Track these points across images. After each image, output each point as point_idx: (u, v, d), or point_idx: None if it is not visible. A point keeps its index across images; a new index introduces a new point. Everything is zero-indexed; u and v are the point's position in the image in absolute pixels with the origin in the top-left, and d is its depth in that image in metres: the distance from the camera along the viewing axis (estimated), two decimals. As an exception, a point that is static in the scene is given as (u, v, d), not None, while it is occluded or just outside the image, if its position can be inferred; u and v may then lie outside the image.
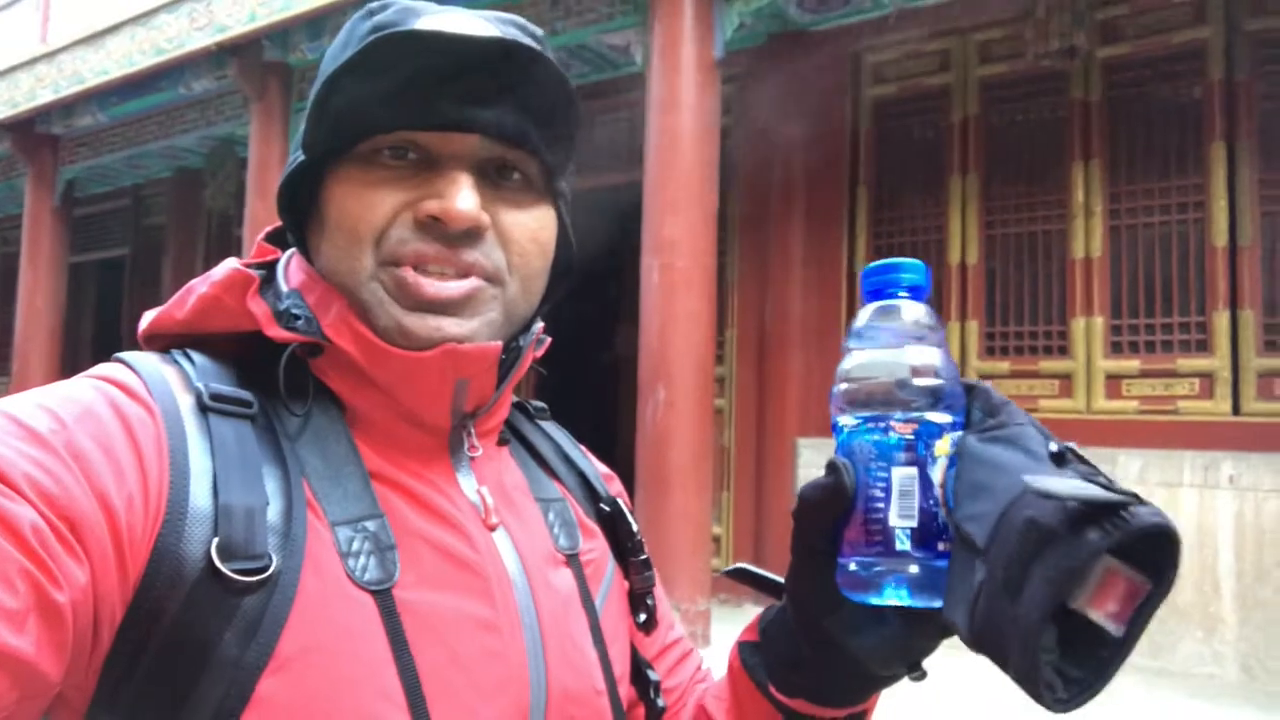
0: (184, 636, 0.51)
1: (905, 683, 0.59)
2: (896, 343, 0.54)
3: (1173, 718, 3.69)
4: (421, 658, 0.56)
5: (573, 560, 0.68)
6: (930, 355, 0.54)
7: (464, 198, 0.60)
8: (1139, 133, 4.85)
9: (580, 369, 8.69)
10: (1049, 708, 0.47)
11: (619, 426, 6.98)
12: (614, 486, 0.79)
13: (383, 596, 0.56)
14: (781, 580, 0.64)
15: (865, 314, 0.57)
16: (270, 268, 0.67)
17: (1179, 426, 4.60)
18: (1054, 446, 0.52)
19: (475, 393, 0.64)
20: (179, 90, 7.18)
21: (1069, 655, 0.47)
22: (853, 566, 0.53)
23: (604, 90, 6.28)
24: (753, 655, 0.66)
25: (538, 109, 0.61)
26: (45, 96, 7.75)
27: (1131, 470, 4.48)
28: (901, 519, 0.52)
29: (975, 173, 5.29)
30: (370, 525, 0.58)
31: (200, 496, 0.53)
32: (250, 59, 6.61)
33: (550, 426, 0.80)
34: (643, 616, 0.73)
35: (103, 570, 0.50)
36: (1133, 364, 4.83)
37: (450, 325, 0.60)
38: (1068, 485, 0.47)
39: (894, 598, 0.52)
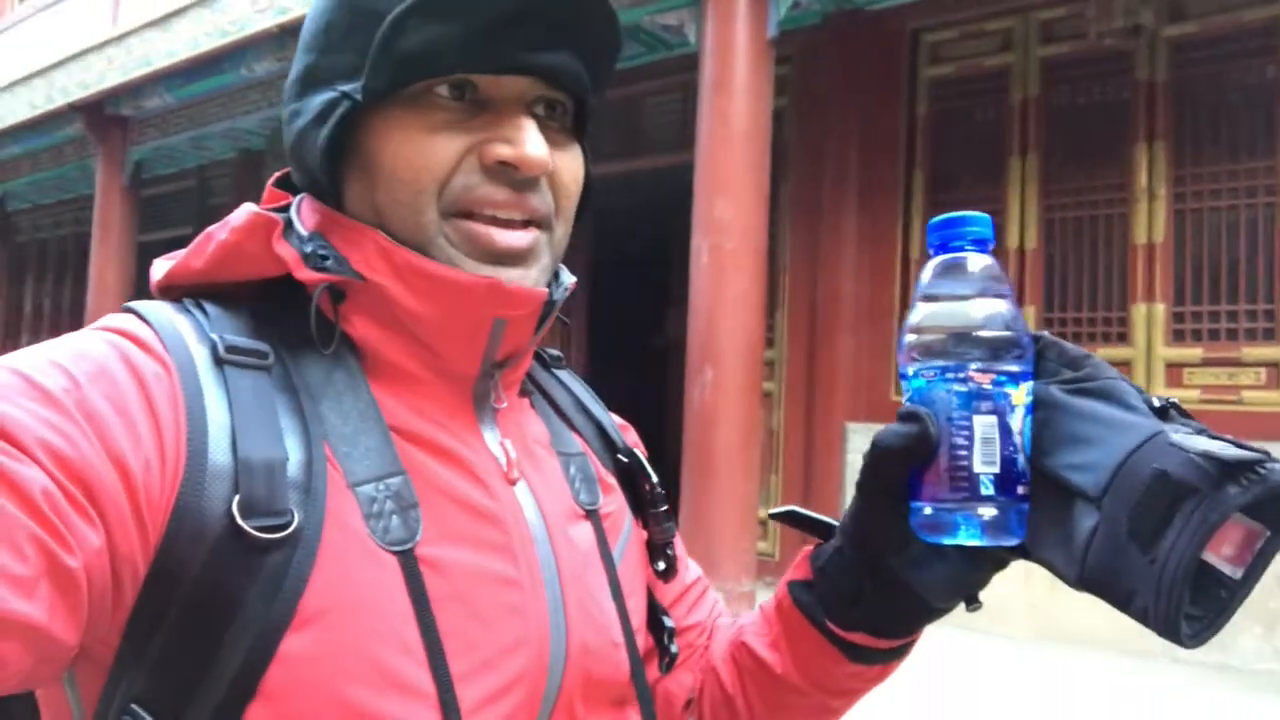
0: (207, 594, 0.51)
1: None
2: (967, 294, 0.55)
3: (1231, 713, 3.62)
4: (443, 614, 0.56)
5: (592, 515, 0.68)
6: (1001, 306, 0.55)
7: (536, 144, 0.59)
8: (1206, 114, 4.71)
9: (631, 352, 8.73)
10: (1180, 644, 0.50)
11: (668, 410, 7.01)
12: (629, 437, 0.79)
13: (405, 556, 0.56)
14: (832, 522, 0.67)
15: (933, 266, 0.58)
16: (282, 210, 0.66)
17: (1243, 417, 4.48)
18: (1156, 401, 0.54)
19: (510, 338, 0.63)
20: (241, 72, 7.31)
21: (1192, 597, 0.49)
22: (929, 510, 0.55)
23: (657, 70, 6.27)
24: (806, 593, 0.67)
25: (593, 52, 0.61)
26: (114, 79, 7.95)
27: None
28: (985, 465, 0.53)
29: (1035, 155, 5.17)
30: (392, 483, 0.57)
31: (219, 452, 0.53)
32: (310, 41, 6.70)
33: (566, 376, 0.79)
34: (662, 565, 0.73)
35: (121, 531, 0.49)
36: (1195, 352, 4.70)
37: (519, 274, 0.61)
38: (1204, 442, 0.49)
39: (969, 538, 0.54)
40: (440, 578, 0.57)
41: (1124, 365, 4.86)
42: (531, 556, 0.62)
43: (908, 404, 0.56)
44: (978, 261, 0.57)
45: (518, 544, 0.61)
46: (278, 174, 0.70)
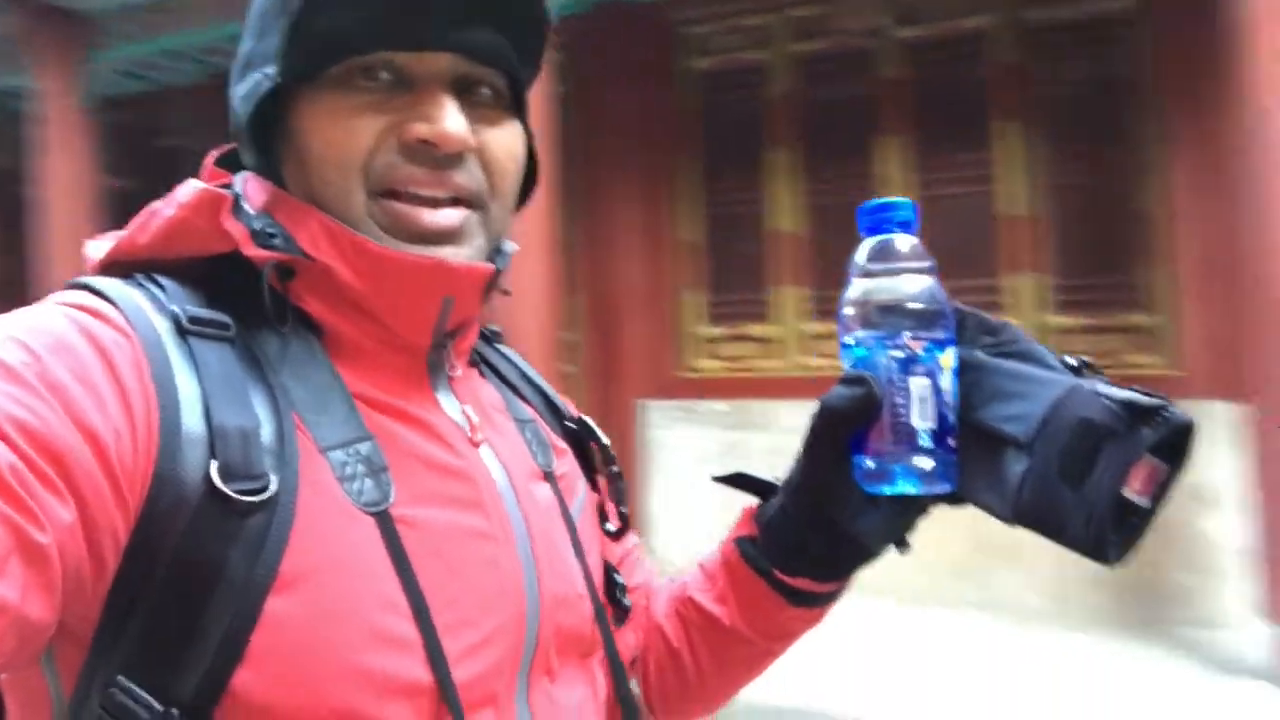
0: (190, 560, 0.51)
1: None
2: (898, 271, 0.62)
3: (987, 641, 4.15)
4: (422, 570, 0.57)
5: (549, 477, 0.71)
6: (927, 281, 0.62)
7: (454, 120, 0.60)
8: (939, 110, 5.25)
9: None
10: (1107, 564, 0.56)
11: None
12: (572, 408, 0.81)
13: (381, 516, 0.57)
14: (775, 482, 0.72)
15: (866, 247, 0.64)
16: (224, 188, 0.64)
17: None
18: (1072, 360, 0.61)
19: (459, 311, 0.64)
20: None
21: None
22: (872, 463, 0.61)
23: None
24: (752, 548, 0.72)
25: (512, 26, 0.62)
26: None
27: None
28: (922, 421, 0.59)
29: (793, 146, 5.56)
30: (361, 448, 0.58)
31: (192, 419, 0.53)
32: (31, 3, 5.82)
33: (506, 350, 0.81)
34: (614, 526, 0.77)
35: (96, 503, 0.49)
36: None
37: (448, 252, 0.61)
38: (1120, 391, 0.56)
39: (908, 487, 0.60)
40: (417, 535, 0.58)
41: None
42: (502, 512, 0.64)
43: (850, 370, 0.62)
44: (905, 241, 0.63)
45: (488, 500, 0.63)
46: (216, 152, 0.70)
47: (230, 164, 0.69)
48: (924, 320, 0.60)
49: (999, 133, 5.09)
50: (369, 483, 0.57)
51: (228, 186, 0.66)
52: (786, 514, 0.69)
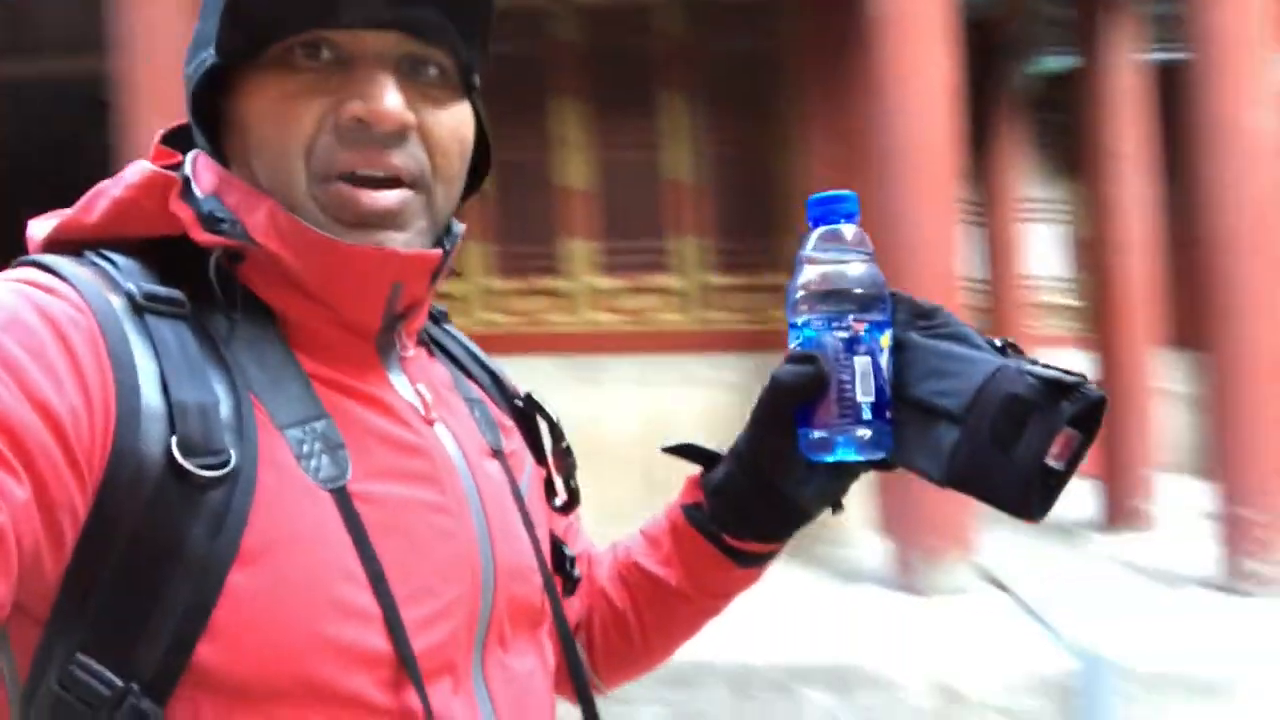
0: (152, 534, 0.51)
1: None
2: (844, 259, 0.66)
3: (817, 591, 4.27)
4: (381, 544, 0.58)
5: (498, 454, 0.72)
6: (870, 268, 0.67)
7: (389, 97, 0.59)
8: (612, 77, 5.45)
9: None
10: (1032, 520, 0.62)
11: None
12: (519, 387, 0.82)
13: (339, 492, 0.57)
14: (719, 452, 0.76)
15: (815, 235, 0.68)
16: (173, 168, 0.64)
17: (657, 335, 5.40)
18: (998, 341, 0.66)
19: (408, 295, 0.64)
20: None
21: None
22: (816, 434, 0.66)
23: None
24: (699, 514, 0.76)
25: (454, 7, 0.61)
26: None
27: (622, 373, 5.27)
28: (864, 396, 0.64)
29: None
30: (317, 425, 0.59)
31: (150, 395, 0.53)
32: None
33: (453, 329, 0.81)
34: (560, 501, 0.79)
35: (54, 481, 0.49)
36: (618, 283, 5.53)
37: (386, 237, 0.61)
38: (1042, 370, 0.61)
39: (848, 455, 0.65)
40: (374, 510, 0.59)
41: (562, 295, 5.58)
42: (457, 487, 0.65)
43: (798, 348, 0.67)
44: (850, 231, 0.67)
45: (444, 475, 0.64)
46: (164, 131, 0.69)
47: (179, 142, 0.68)
48: (866, 303, 0.66)
49: (666, 101, 5.42)
50: (326, 459, 0.58)
51: (177, 166, 0.65)
52: (734, 481, 0.74)
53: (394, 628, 0.57)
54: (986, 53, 6.09)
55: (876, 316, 0.66)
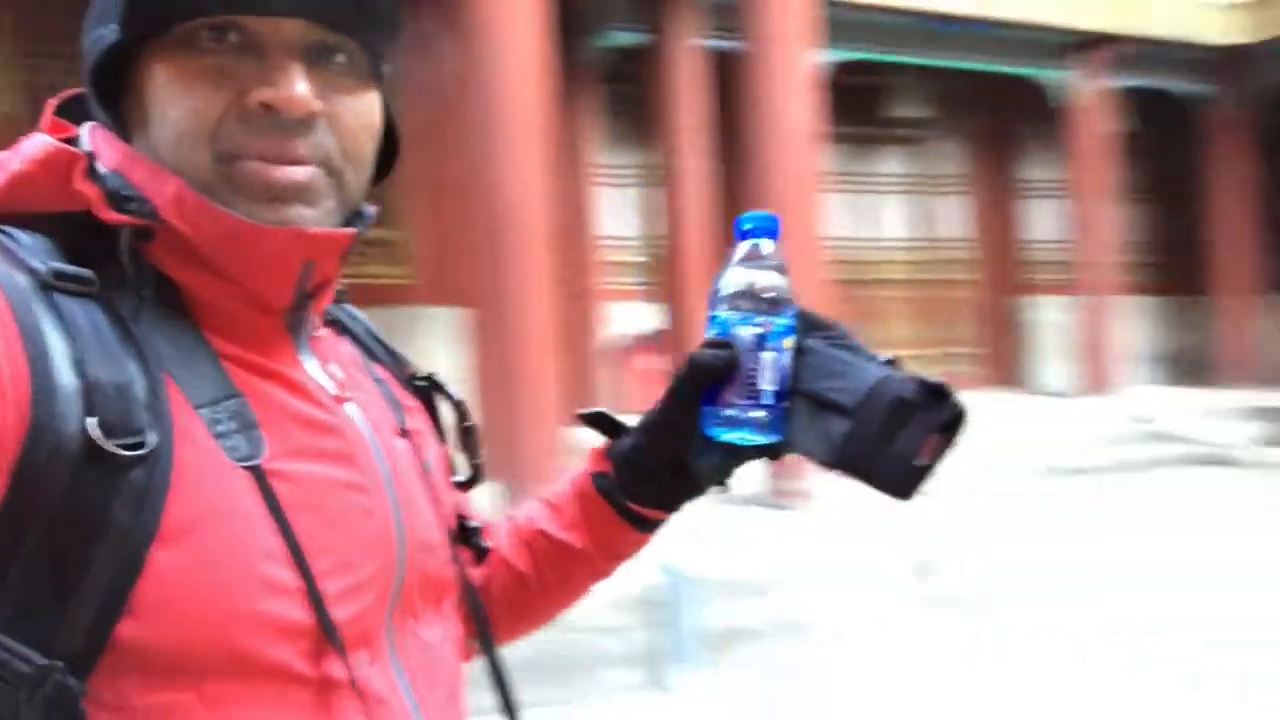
0: (72, 514, 0.52)
1: None
2: (763, 269, 0.75)
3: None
4: (298, 521, 0.59)
5: (404, 433, 0.73)
6: (785, 280, 0.76)
7: (298, 85, 0.59)
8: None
9: None
10: (905, 499, 0.69)
11: None
12: (419, 366, 0.84)
13: (255, 471, 0.58)
14: (626, 424, 0.82)
15: (743, 247, 0.77)
16: (70, 142, 0.62)
17: None
18: (883, 356, 0.74)
19: (319, 274, 0.64)
20: None
21: None
22: (721, 413, 0.74)
23: None
24: (606, 481, 0.81)
25: None
26: None
27: None
28: (767, 384, 0.72)
29: None
30: (231, 405, 0.59)
31: (65, 375, 0.53)
32: None
33: (352, 309, 0.81)
34: (463, 476, 0.82)
35: None
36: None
37: (296, 213, 0.61)
38: (921, 379, 0.69)
39: (743, 432, 0.73)
40: (291, 487, 0.60)
41: None
42: (371, 464, 0.66)
43: (715, 335, 0.75)
44: (769, 247, 0.76)
45: (358, 453, 0.65)
46: (56, 100, 0.66)
47: (74, 113, 0.66)
48: (776, 308, 0.74)
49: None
50: (241, 439, 0.58)
51: (72, 140, 0.63)
52: (641, 451, 0.79)
53: (315, 600, 0.58)
54: (561, 22, 6.42)
55: (784, 321, 0.74)
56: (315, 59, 0.61)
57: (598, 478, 0.82)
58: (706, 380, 0.74)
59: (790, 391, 0.74)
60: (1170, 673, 3.70)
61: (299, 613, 0.58)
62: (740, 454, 0.78)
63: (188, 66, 0.59)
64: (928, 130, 9.56)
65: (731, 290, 0.75)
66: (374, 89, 0.66)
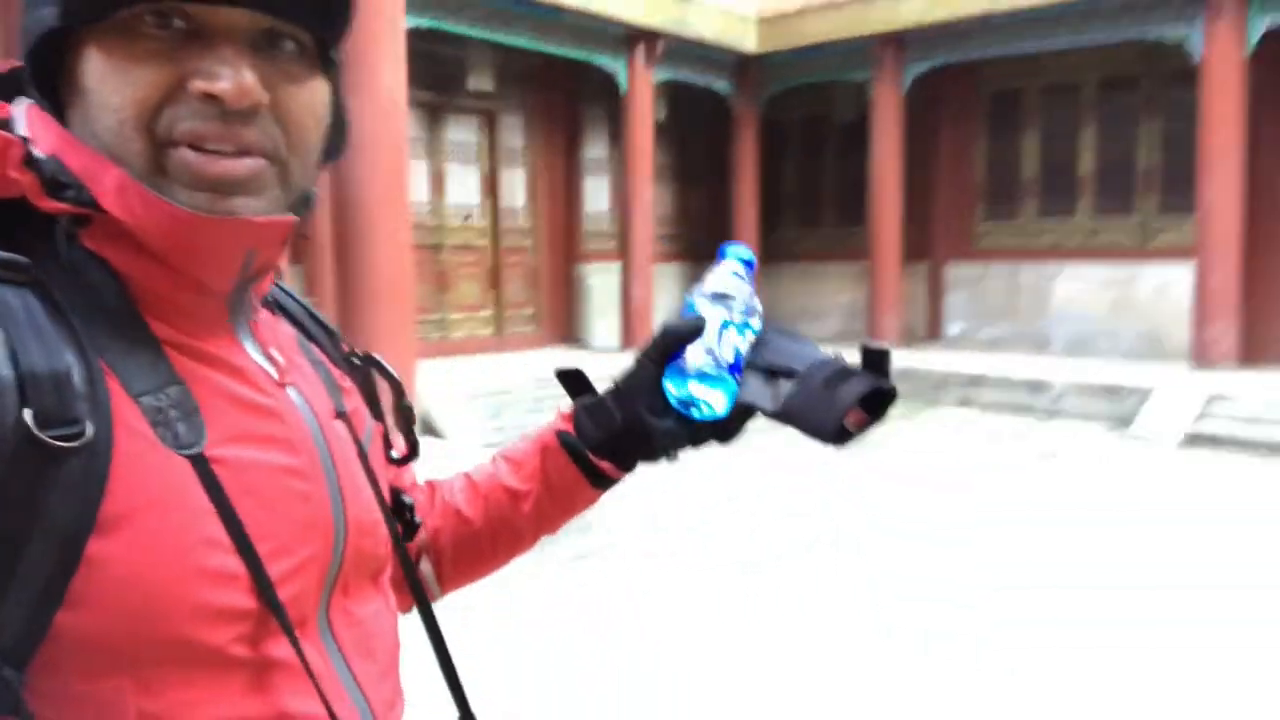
0: (7, 505, 0.51)
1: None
2: (739, 280, 0.87)
3: None
4: (240, 506, 0.58)
5: (341, 415, 0.73)
6: (751, 295, 0.87)
7: (242, 74, 0.57)
8: None
9: None
10: (839, 446, 0.79)
11: None
12: (355, 345, 0.84)
13: (196, 458, 0.58)
14: (594, 386, 0.88)
15: (729, 263, 0.88)
16: (3, 125, 0.60)
17: None
18: (833, 354, 0.82)
19: (261, 260, 0.64)
20: None
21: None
22: (682, 366, 0.82)
23: None
24: (566, 436, 0.87)
25: None
26: None
27: None
28: (724, 354, 0.82)
29: None
30: (171, 392, 0.59)
31: (1, 367, 0.52)
32: None
33: (288, 288, 0.80)
34: (398, 454, 0.83)
35: None
36: None
37: (240, 204, 0.59)
38: (862, 356, 0.79)
39: (695, 388, 0.82)
40: (231, 474, 0.59)
41: None
42: (310, 449, 0.66)
43: (688, 314, 0.84)
44: (742, 270, 0.88)
45: (298, 438, 0.65)
46: None
47: (5, 87, 0.63)
48: (744, 310, 0.85)
49: None
50: (181, 426, 0.58)
51: (4, 121, 0.61)
52: (604, 406, 0.86)
53: (263, 585, 0.59)
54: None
55: (747, 320, 0.86)
56: (263, 46, 0.60)
57: (561, 434, 0.88)
58: (676, 340, 0.82)
59: (745, 367, 0.84)
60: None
61: (240, 598, 0.58)
62: (694, 429, 0.84)
63: (129, 51, 0.57)
64: (498, 104, 9.97)
65: (709, 286, 0.87)
66: (322, 77, 0.65)
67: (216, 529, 0.58)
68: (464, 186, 9.92)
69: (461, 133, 9.84)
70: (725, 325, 0.84)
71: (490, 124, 10.07)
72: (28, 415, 0.51)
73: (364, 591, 0.71)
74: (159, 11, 0.57)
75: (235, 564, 0.58)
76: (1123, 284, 9.63)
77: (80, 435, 0.53)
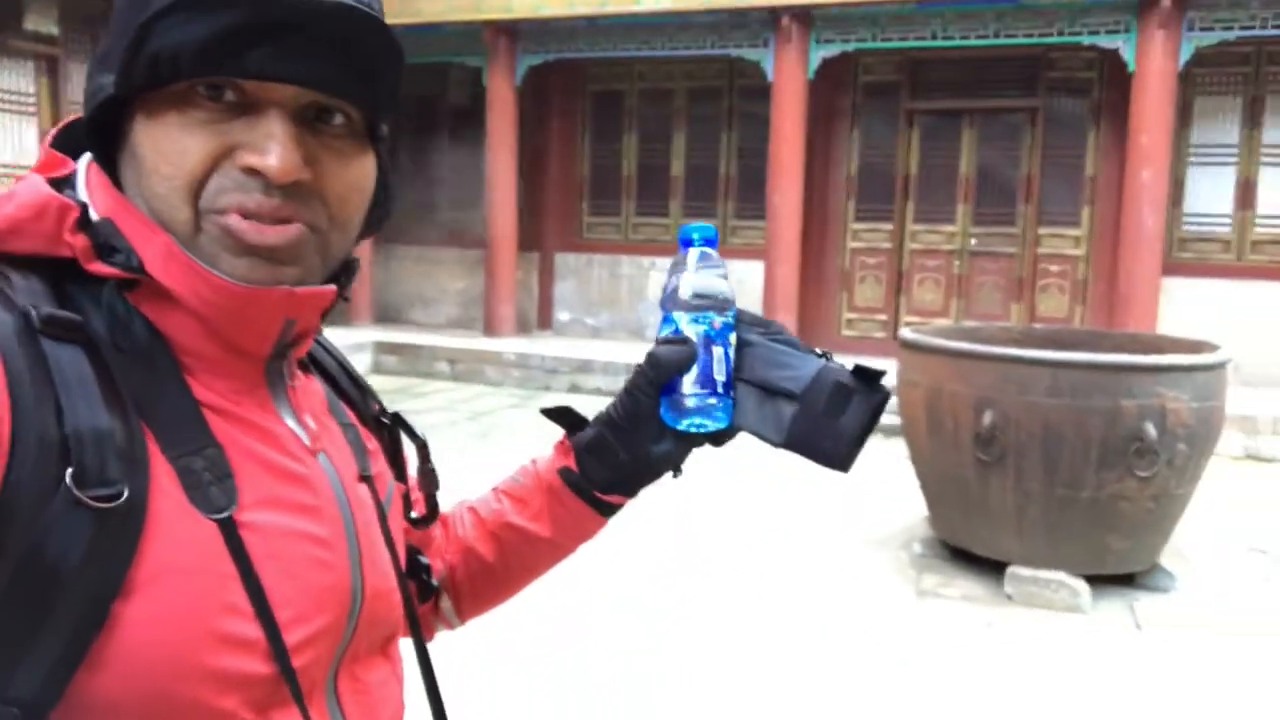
0: (39, 564, 0.52)
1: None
2: (710, 274, 0.84)
3: None
4: (263, 572, 0.60)
5: (366, 479, 0.75)
6: (725, 283, 0.84)
7: (285, 153, 0.59)
8: None
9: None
10: (845, 471, 0.80)
11: None
12: (383, 402, 0.86)
13: (225, 522, 0.59)
14: (587, 419, 0.90)
15: (691, 254, 0.85)
16: (66, 181, 0.64)
17: None
18: (819, 350, 0.83)
19: (299, 328, 0.66)
20: None
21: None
22: (679, 402, 0.82)
23: None
24: (571, 475, 0.89)
25: (359, 61, 0.61)
26: None
27: None
28: (718, 375, 0.81)
29: None
30: (207, 454, 0.60)
31: (48, 424, 0.53)
32: None
33: (325, 341, 0.82)
34: (417, 515, 0.86)
35: None
36: None
37: (279, 272, 0.62)
38: (856, 366, 0.80)
39: (700, 418, 0.82)
40: (258, 539, 0.61)
41: None
42: (335, 516, 0.68)
43: (671, 333, 0.83)
44: (713, 254, 0.85)
45: (325, 505, 0.67)
46: (56, 131, 0.67)
47: (69, 147, 0.66)
48: (722, 308, 0.83)
49: None
50: (214, 489, 0.60)
51: (66, 181, 0.64)
52: (605, 442, 0.87)
53: (278, 653, 0.60)
54: None
55: (729, 320, 0.84)
56: (311, 119, 0.62)
57: (564, 472, 0.90)
58: (669, 374, 0.82)
59: (735, 380, 0.84)
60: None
61: (256, 664, 0.60)
62: (692, 440, 0.86)
63: (181, 120, 0.60)
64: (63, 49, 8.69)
65: (685, 293, 0.84)
66: (369, 149, 0.67)
67: (238, 595, 0.59)
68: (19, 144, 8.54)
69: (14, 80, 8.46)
70: (711, 339, 0.83)
71: (53, 72, 8.75)
72: (68, 474, 0.53)
73: (373, 659, 0.73)
74: (212, 84, 0.59)
75: (254, 630, 0.60)
76: (708, 277, 10.64)
77: (118, 496, 0.54)
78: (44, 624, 0.53)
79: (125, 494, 0.55)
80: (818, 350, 0.84)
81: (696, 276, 0.84)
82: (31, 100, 8.63)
